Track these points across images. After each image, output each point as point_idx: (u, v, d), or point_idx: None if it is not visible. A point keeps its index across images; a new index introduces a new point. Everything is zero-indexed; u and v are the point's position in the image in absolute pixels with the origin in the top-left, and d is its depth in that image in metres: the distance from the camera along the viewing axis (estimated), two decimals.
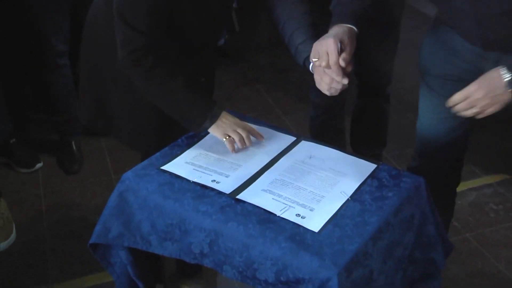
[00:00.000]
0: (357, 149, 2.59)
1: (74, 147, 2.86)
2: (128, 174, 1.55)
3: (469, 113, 1.46)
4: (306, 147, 1.66)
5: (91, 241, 1.57)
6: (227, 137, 1.62)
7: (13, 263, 2.29)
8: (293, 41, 1.66)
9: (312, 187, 1.49)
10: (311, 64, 1.58)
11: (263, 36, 4.20)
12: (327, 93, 1.58)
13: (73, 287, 2.20)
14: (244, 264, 1.34)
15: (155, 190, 1.50)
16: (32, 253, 2.34)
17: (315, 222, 1.37)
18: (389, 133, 2.61)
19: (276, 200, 1.44)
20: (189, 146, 1.66)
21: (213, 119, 1.62)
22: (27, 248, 2.36)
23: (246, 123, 1.67)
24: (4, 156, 2.82)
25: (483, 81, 1.43)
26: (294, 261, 1.28)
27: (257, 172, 1.54)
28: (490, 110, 1.44)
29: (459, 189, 2.00)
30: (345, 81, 1.53)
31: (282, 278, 1.29)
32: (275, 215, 1.39)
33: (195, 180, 1.51)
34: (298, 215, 1.39)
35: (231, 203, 1.44)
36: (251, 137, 1.65)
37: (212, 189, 1.48)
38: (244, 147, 1.63)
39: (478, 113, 1.45)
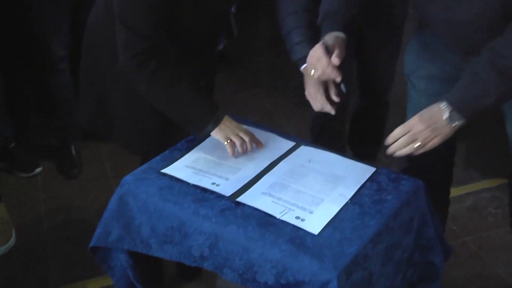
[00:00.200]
0: (354, 148, 2.67)
1: (74, 152, 2.85)
2: (128, 177, 1.56)
3: (410, 149, 1.45)
4: (306, 151, 1.66)
5: (91, 244, 1.57)
6: (229, 141, 1.62)
7: (12, 267, 2.28)
8: (291, 39, 1.73)
9: (311, 190, 1.49)
10: (304, 65, 1.63)
11: (262, 41, 4.21)
12: (315, 109, 1.66)
13: None
14: (244, 266, 1.34)
15: (155, 193, 1.50)
16: (31, 257, 2.33)
17: (314, 224, 1.37)
18: (387, 134, 2.60)
19: (275, 203, 1.45)
20: (189, 149, 1.66)
21: (216, 123, 1.62)
22: (26, 252, 2.35)
23: (247, 129, 1.67)
24: (4, 161, 2.82)
25: (424, 115, 1.44)
26: (294, 264, 1.29)
27: (257, 175, 1.55)
28: (432, 143, 1.44)
29: (457, 193, 2.01)
30: (333, 111, 1.63)
31: (282, 281, 1.30)
32: (275, 217, 1.40)
33: (195, 183, 1.52)
34: (297, 217, 1.39)
35: (231, 206, 1.44)
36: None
37: (212, 192, 1.49)
38: (244, 152, 1.64)
39: (420, 146, 1.44)
